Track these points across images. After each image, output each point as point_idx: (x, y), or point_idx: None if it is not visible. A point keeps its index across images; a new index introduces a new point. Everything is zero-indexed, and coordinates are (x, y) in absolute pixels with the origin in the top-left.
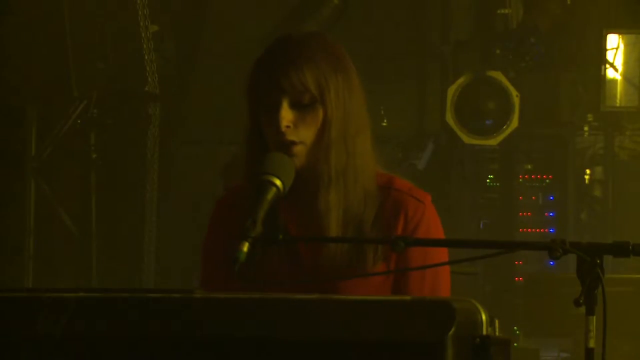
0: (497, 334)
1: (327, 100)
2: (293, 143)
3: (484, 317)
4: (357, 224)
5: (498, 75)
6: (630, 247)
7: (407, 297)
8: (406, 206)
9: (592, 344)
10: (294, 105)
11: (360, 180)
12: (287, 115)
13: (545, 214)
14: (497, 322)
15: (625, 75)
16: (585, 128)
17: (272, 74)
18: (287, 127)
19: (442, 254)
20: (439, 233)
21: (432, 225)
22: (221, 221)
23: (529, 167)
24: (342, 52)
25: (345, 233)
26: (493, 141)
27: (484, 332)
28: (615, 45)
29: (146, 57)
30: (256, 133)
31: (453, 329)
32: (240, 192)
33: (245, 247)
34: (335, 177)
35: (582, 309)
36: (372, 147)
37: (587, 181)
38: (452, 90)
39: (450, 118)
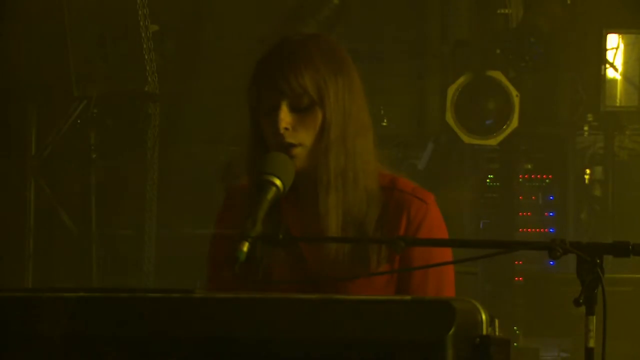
0: (497, 334)
1: (326, 103)
2: (292, 145)
3: (484, 317)
4: (358, 225)
5: (498, 75)
6: (630, 247)
7: (407, 297)
8: (409, 206)
9: (592, 344)
10: (293, 108)
11: (361, 182)
12: (285, 117)
13: (545, 214)
14: (497, 322)
15: (625, 75)
16: (585, 128)
17: (271, 77)
18: (286, 129)
19: (445, 254)
20: (442, 233)
21: (435, 225)
22: (227, 221)
23: (529, 167)
24: (343, 53)
25: (346, 234)
26: (493, 141)
27: (484, 332)
28: (615, 45)
29: (146, 57)
30: (257, 134)
31: (453, 329)
32: (245, 192)
33: (245, 247)
34: (334, 179)
35: (582, 309)
36: (373, 148)
37: (587, 181)
38: (452, 90)
39: (450, 118)
